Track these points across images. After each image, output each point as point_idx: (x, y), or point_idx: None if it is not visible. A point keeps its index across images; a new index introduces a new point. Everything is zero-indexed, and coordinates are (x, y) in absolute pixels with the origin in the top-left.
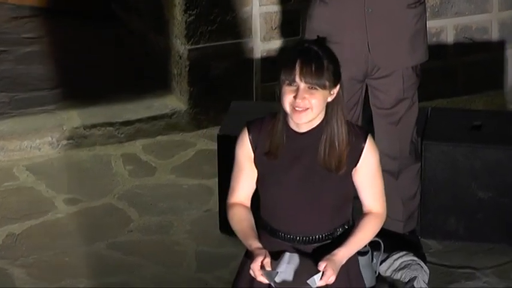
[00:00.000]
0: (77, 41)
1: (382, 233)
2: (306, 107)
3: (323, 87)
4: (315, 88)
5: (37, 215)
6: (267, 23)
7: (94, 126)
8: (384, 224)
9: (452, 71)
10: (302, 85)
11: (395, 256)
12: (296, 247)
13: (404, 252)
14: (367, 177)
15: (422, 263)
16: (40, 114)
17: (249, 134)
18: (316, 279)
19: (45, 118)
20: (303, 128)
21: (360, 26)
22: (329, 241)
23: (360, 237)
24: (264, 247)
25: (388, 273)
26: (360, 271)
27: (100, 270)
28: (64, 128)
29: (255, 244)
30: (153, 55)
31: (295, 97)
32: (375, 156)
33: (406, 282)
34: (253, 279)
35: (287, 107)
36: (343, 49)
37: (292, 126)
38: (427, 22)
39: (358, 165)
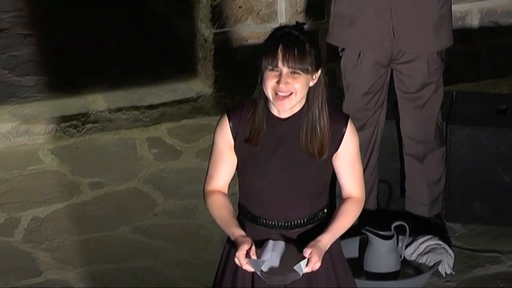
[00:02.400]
0: (102, 24)
1: (408, 216)
2: (289, 91)
3: (306, 71)
4: (298, 73)
5: (62, 199)
6: (292, 6)
7: (119, 109)
8: (409, 208)
9: (477, 54)
10: (285, 70)
11: (420, 240)
12: (277, 233)
13: (429, 236)
14: (348, 161)
15: (447, 247)
16: (65, 97)
17: (229, 121)
18: (302, 266)
19: (70, 102)
20: (285, 114)
21: (385, 11)
22: (311, 226)
23: (342, 223)
24: (247, 235)
25: (413, 257)
26: (343, 255)
27: (124, 254)
28: (89, 112)
29: (238, 232)
30: (179, 39)
31: (278, 82)
32: (355, 140)
33: (431, 266)
34: (237, 267)
35: (269, 92)
36: (368, 34)
37: (274, 111)
38: (452, 6)
39: (339, 150)
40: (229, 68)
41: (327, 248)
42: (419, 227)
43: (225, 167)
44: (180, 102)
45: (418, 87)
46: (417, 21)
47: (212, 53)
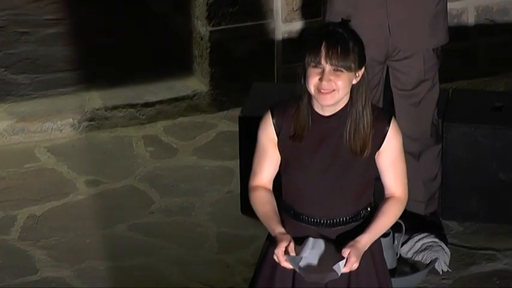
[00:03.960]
0: (98, 22)
1: (404, 214)
2: (331, 88)
3: (348, 69)
4: (341, 70)
5: (58, 197)
6: (288, 4)
7: (115, 107)
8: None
9: (473, 52)
10: (328, 67)
11: (416, 238)
12: (320, 231)
13: (425, 234)
14: (390, 160)
15: (443, 245)
16: (61, 95)
17: (272, 118)
18: (341, 266)
19: (66, 99)
20: (328, 111)
21: (381, 8)
22: (353, 224)
23: (383, 223)
24: (287, 231)
25: (409, 255)
26: (383, 255)
27: (121, 252)
28: (85, 110)
29: (278, 229)
30: (175, 37)
31: (320, 79)
32: (398, 139)
33: (427, 264)
34: (276, 264)
35: (312, 89)
36: (364, 31)
37: (317, 109)
38: (448, 3)
39: (382, 148)
40: (226, 65)
41: (366, 248)
42: (416, 224)
43: (268, 163)
44: (176, 100)
45: (414, 85)
46: (413, 18)
47: (208, 50)
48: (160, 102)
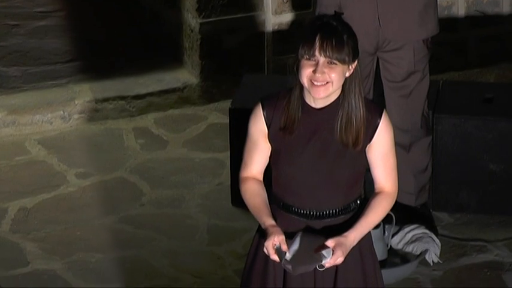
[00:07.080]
0: (88, 14)
1: (394, 206)
2: (325, 81)
3: (343, 61)
4: (335, 63)
5: (49, 189)
6: None
7: (106, 100)
8: None
9: (463, 44)
10: (322, 59)
11: (407, 229)
12: (309, 223)
13: (416, 225)
14: (381, 153)
15: (433, 236)
16: (52, 88)
17: (263, 110)
18: (325, 254)
19: (56, 92)
20: (320, 104)
21: None
22: (342, 216)
23: (372, 218)
24: (277, 223)
25: (399, 246)
26: (373, 247)
27: (112, 244)
28: (76, 102)
29: (268, 221)
30: (165, 29)
31: (314, 71)
32: (389, 133)
33: (418, 255)
34: (268, 257)
35: (305, 82)
36: (354, 22)
37: (309, 101)
38: None
39: (373, 141)
40: (216, 57)
41: (355, 244)
42: (406, 216)
43: (259, 155)
44: (166, 92)
45: (404, 76)
46: (402, 9)
47: (198, 43)
48: (151, 94)
